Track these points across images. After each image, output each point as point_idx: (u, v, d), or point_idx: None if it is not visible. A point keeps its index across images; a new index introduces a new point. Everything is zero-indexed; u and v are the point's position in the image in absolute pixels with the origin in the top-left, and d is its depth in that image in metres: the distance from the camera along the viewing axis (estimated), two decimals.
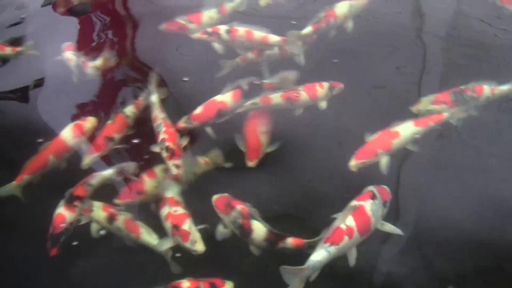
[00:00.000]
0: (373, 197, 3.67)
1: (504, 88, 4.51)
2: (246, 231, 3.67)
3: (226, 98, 4.42)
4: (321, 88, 4.53)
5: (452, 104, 4.40)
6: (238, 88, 4.46)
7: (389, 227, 3.66)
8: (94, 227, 3.87)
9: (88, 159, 4.21)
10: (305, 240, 3.58)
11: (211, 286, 3.49)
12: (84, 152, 4.27)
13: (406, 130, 4.20)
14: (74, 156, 4.27)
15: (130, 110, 4.51)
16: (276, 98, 4.41)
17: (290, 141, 4.35)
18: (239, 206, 3.78)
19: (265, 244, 3.65)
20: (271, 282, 3.36)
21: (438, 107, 4.40)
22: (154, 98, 4.49)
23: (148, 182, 4.03)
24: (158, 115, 4.37)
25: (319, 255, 3.35)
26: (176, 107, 4.57)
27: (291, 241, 3.61)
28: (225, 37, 4.92)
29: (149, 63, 5.11)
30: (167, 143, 4.13)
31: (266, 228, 3.68)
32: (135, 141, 4.41)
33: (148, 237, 3.80)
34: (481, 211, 3.93)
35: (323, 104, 4.50)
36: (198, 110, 4.38)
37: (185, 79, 4.88)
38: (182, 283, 3.49)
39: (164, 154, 4.08)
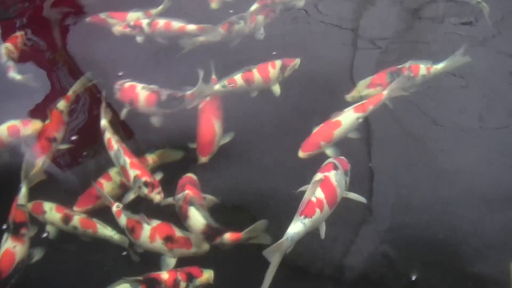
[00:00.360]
0: (335, 167, 3.76)
1: (439, 66, 4.47)
2: (183, 215, 3.65)
3: (141, 94, 4.38)
4: (273, 69, 4.52)
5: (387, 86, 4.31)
6: (156, 93, 4.35)
7: (353, 195, 3.76)
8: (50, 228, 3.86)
9: (38, 164, 4.09)
10: (242, 233, 3.51)
11: (189, 275, 3.45)
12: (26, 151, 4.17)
13: (347, 118, 4.14)
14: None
15: (62, 104, 4.43)
16: (238, 79, 4.44)
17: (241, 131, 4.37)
18: (187, 191, 3.73)
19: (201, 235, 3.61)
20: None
21: (374, 91, 4.35)
22: (104, 122, 4.20)
23: (106, 185, 3.97)
24: (113, 140, 4.08)
25: (296, 227, 3.42)
26: (112, 102, 4.49)
27: (228, 236, 3.55)
28: (147, 29, 5.06)
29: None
30: (144, 179, 3.82)
31: (204, 220, 3.61)
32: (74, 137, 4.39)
33: (105, 230, 3.76)
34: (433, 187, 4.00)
35: (276, 89, 4.51)
36: (120, 85, 4.52)
37: (120, 73, 4.82)
38: (161, 274, 3.44)
39: (145, 191, 3.79)
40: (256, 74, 4.47)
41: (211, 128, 4.21)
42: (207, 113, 4.30)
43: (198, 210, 3.62)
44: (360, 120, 4.16)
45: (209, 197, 3.88)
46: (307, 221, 3.45)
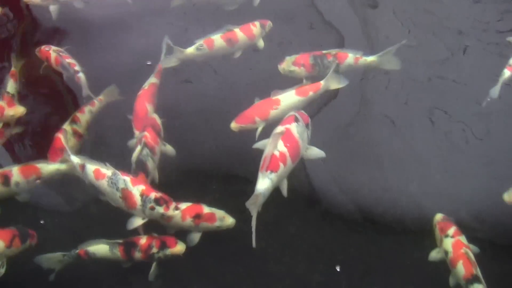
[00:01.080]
0: (296, 120, 3.78)
1: (368, 59, 4.49)
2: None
3: (52, 55, 4.69)
4: (255, 27, 4.82)
5: (310, 68, 4.46)
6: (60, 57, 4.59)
7: (314, 151, 3.80)
8: None
9: None
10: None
11: (162, 243, 3.59)
12: None
13: (286, 100, 4.18)
14: None
15: (11, 86, 4.57)
16: (217, 40, 4.69)
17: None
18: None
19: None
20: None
21: (297, 69, 4.48)
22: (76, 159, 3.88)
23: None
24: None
25: (264, 183, 3.49)
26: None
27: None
28: None
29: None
30: (152, 195, 3.62)
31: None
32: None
33: (49, 165, 3.90)
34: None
35: (260, 44, 4.85)
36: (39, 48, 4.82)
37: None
38: (140, 239, 3.61)
39: (160, 210, 3.59)
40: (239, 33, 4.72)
41: (145, 106, 4.35)
42: (143, 95, 4.43)
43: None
44: (300, 104, 4.21)
45: (169, 147, 4.07)
46: (273, 176, 3.49)
